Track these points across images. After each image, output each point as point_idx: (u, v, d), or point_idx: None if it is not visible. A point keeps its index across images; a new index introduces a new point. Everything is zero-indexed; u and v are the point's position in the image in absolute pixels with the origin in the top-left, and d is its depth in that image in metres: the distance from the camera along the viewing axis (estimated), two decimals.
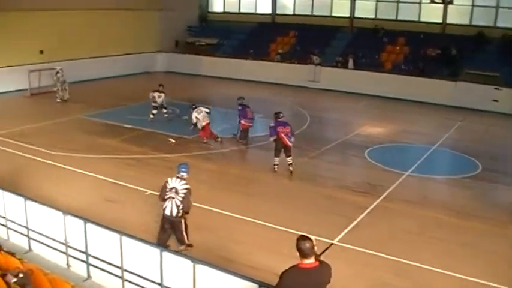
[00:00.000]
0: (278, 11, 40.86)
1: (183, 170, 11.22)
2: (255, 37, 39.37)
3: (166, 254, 8.68)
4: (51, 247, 10.62)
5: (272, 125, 16.95)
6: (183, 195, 10.81)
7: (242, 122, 20.16)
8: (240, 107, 20.52)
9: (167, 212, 10.81)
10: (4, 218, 11.64)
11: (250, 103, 20.99)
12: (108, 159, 17.67)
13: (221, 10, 43.92)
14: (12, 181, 13.82)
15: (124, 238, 9.18)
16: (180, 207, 10.78)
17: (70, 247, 10.20)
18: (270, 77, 34.34)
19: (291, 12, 40.18)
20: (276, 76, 34.25)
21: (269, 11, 41.06)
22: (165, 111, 23.05)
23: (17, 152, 18.07)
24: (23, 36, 29.60)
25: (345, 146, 20.57)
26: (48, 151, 18.12)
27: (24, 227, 11.12)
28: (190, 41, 41.55)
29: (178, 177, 11.08)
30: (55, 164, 16.93)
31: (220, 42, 40.47)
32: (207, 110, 20.24)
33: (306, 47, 35.46)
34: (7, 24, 28.85)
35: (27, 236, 11.14)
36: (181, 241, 11.10)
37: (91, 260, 9.88)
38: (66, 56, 30.83)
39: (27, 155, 17.76)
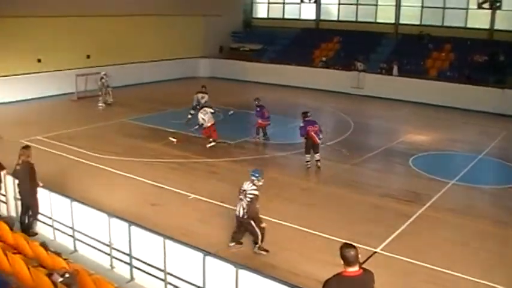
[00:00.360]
0: (322, 17, 40.71)
1: (254, 174, 11.58)
2: (298, 43, 39.32)
3: (209, 259, 8.68)
4: (95, 248, 10.76)
5: (302, 125, 17.61)
6: (249, 199, 11.25)
7: (259, 121, 21.04)
8: (258, 108, 21.20)
9: (236, 212, 11.56)
10: (51, 218, 11.85)
11: (293, 109, 21.01)
12: (152, 163, 17.85)
13: (265, 16, 43.99)
14: (58, 182, 14.05)
15: (168, 241, 9.23)
16: (245, 210, 11.24)
17: (114, 249, 10.31)
18: (313, 83, 34.20)
19: (335, 18, 39.97)
20: (320, 82, 34.09)
21: (313, 16, 40.95)
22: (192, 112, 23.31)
23: (63, 154, 18.40)
24: (71, 41, 30.27)
25: (389, 153, 20.33)
26: (94, 154, 18.40)
27: (70, 227, 11.29)
28: (234, 46, 41.72)
29: (251, 181, 11.49)
30: (100, 166, 17.19)
31: (264, 48, 40.48)
32: (212, 111, 20.40)
33: (350, 53, 35.22)
34: (57, 29, 29.50)
35: (72, 236, 11.31)
36: (254, 242, 11.56)
37: (134, 262, 9.96)
38: (112, 60, 31.33)
39: (73, 157, 18.09)
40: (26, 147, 12.38)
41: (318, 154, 17.56)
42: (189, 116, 23.05)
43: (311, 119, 17.68)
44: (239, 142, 20.63)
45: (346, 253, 6.15)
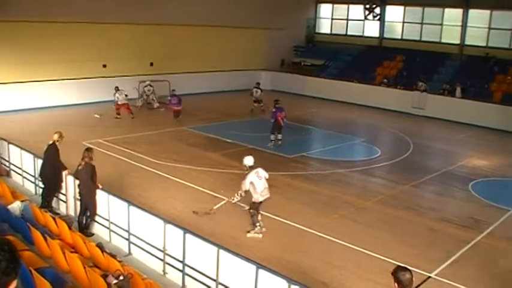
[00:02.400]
0: (386, 35, 40.37)
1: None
2: (361, 60, 39.11)
3: (262, 272, 8.65)
4: (149, 253, 10.89)
5: (273, 110, 21.99)
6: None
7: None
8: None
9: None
10: (108, 220, 12.06)
11: (352, 127, 20.81)
12: (209, 172, 17.96)
13: (328, 31, 43.95)
14: (116, 185, 14.33)
15: (221, 251, 9.25)
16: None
17: (168, 255, 10.41)
18: (374, 101, 33.85)
19: (399, 37, 39.55)
20: (380, 101, 33.71)
21: (376, 34, 40.65)
22: (256, 104, 27.37)
23: (123, 158, 18.75)
24: (136, 48, 30.95)
25: (448, 176, 19.87)
26: (152, 159, 18.68)
27: (126, 231, 11.47)
28: (296, 60, 41.82)
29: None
30: (157, 172, 17.42)
31: (325, 64, 40.43)
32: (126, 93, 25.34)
33: (412, 73, 34.76)
34: (122, 36, 30.22)
35: (128, 239, 11.48)
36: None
37: (187, 270, 10.02)
38: (174, 69, 31.83)
39: (132, 162, 18.42)
40: (89, 149, 12.68)
41: (280, 135, 21.84)
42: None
43: (280, 106, 21.99)
44: (297, 157, 20.55)
45: (401, 276, 6.01)
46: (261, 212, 13.34)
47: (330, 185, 17.61)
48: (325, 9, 44.20)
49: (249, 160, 13.03)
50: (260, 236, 12.75)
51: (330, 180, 18.37)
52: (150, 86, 29.10)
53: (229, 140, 22.25)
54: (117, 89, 26.18)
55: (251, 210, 12.96)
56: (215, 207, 13.77)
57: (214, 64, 35.33)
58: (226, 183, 16.82)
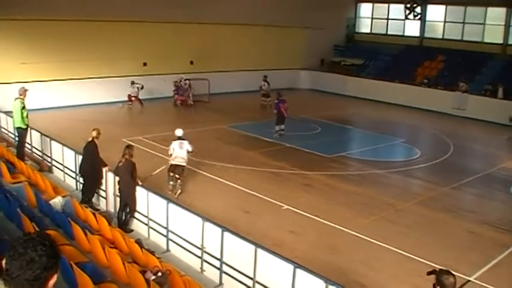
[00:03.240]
0: (427, 35, 39.75)
1: None
2: (401, 60, 38.62)
3: (300, 271, 8.61)
4: (187, 250, 10.94)
5: (276, 101, 23.12)
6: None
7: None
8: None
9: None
10: (147, 217, 12.16)
11: (391, 127, 20.59)
12: (248, 171, 17.99)
13: (368, 31, 43.57)
14: (155, 182, 14.39)
15: (259, 250, 9.24)
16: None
17: (206, 252, 10.45)
18: (414, 101, 33.36)
19: (440, 36, 38.87)
20: (421, 101, 33.22)
21: (417, 33, 40.09)
22: (265, 99, 28.78)
23: (161, 155, 18.83)
24: (176, 47, 31.18)
25: (489, 179, 19.49)
26: (191, 157, 18.68)
27: (165, 227, 11.55)
28: (336, 60, 41.56)
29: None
30: (196, 170, 17.49)
31: (365, 63, 40.10)
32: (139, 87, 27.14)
33: (453, 73, 34.18)
34: (162, 35, 30.48)
35: (166, 236, 11.56)
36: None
37: (224, 268, 10.04)
38: (213, 67, 31.97)
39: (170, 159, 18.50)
40: (129, 146, 12.82)
41: (283, 125, 22.76)
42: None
43: (283, 98, 23.06)
44: (336, 156, 20.44)
45: (445, 280, 5.92)
46: (179, 176, 15.09)
47: (369, 186, 17.45)
48: (365, 9, 43.84)
49: (178, 132, 15.49)
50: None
51: (369, 180, 18.21)
52: (187, 80, 29.27)
53: (268, 139, 22.22)
54: (132, 82, 27.83)
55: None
56: (154, 173, 14.83)
57: (254, 63, 35.30)
58: (264, 182, 16.84)
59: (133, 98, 27.78)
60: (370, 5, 43.23)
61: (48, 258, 2.76)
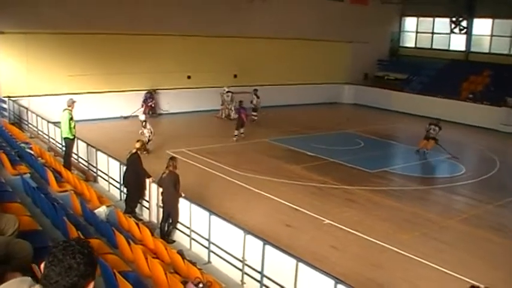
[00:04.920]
0: (473, 49, 39.14)
1: None
2: (446, 74, 38.00)
3: (341, 287, 8.54)
4: (228, 262, 10.98)
5: (238, 108, 25.82)
6: None
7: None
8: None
9: None
10: (189, 228, 12.25)
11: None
12: (289, 185, 17.94)
13: (412, 45, 43.15)
14: (198, 194, 14.52)
15: (300, 264, 9.20)
16: None
17: (246, 265, 10.46)
18: (459, 117, 32.74)
19: (487, 51, 38.28)
20: (466, 117, 32.63)
21: (463, 48, 39.51)
22: (254, 113, 28.76)
23: (205, 168, 19.04)
24: (220, 60, 31.50)
25: None
26: (234, 170, 18.85)
27: (206, 239, 11.62)
28: (380, 74, 41.25)
29: None
30: (239, 182, 17.57)
31: (409, 78, 39.68)
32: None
33: (500, 88, 33.52)
34: (206, 48, 30.82)
35: (207, 248, 11.62)
36: None
37: (265, 281, 10.03)
38: (257, 81, 32.05)
39: (214, 171, 18.67)
40: (173, 158, 12.98)
41: (242, 129, 24.60)
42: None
43: (243, 106, 25.71)
44: (379, 172, 20.26)
45: None
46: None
47: (412, 202, 17.23)
48: (409, 23, 43.46)
49: (141, 116, 21.04)
50: None
51: (412, 196, 17.99)
52: (230, 92, 29.50)
53: (311, 153, 22.16)
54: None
55: None
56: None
57: (297, 77, 35.34)
58: (306, 196, 16.80)
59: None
60: (414, 19, 42.86)
61: (86, 267, 2.81)
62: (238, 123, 24.71)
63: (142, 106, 28.49)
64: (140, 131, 20.64)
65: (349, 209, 15.92)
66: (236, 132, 24.39)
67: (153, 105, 29.06)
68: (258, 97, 29.24)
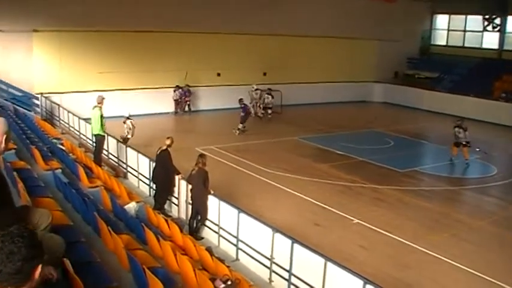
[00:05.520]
0: (506, 47, 38.45)
1: None
2: (478, 73, 37.43)
3: (369, 287, 8.50)
4: (256, 260, 11.00)
5: (242, 106, 25.43)
6: None
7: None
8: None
9: None
10: (217, 225, 12.31)
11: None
12: (318, 183, 17.92)
13: (444, 43, 42.59)
14: (227, 191, 14.56)
15: (329, 264, 9.18)
16: None
17: (275, 263, 10.46)
18: (491, 116, 32.26)
19: None
20: (499, 116, 32.14)
21: (496, 46, 38.87)
22: (264, 111, 29.19)
23: (234, 165, 19.10)
24: (249, 58, 31.61)
25: None
26: (262, 168, 18.87)
27: (235, 237, 11.66)
28: (410, 73, 40.78)
29: None
30: (267, 180, 17.59)
31: (440, 76, 39.19)
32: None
33: None
34: (236, 46, 30.97)
35: (236, 245, 11.66)
36: None
37: (293, 279, 10.02)
38: (287, 79, 32.07)
39: (242, 169, 18.74)
40: (202, 155, 13.07)
41: (245, 123, 25.13)
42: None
43: (245, 103, 25.87)
44: (408, 171, 20.09)
45: None
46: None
47: (442, 202, 17.09)
48: (441, 20, 42.87)
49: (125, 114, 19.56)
50: None
51: (441, 197, 17.83)
52: (259, 90, 29.52)
53: (340, 152, 22.08)
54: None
55: None
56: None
57: (326, 75, 35.21)
58: (335, 195, 16.75)
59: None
60: (446, 16, 42.24)
61: (28, 249, 2.63)
62: (244, 117, 25.29)
63: (179, 100, 29.03)
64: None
65: (378, 208, 15.83)
66: (240, 126, 24.93)
67: (189, 102, 29.27)
68: (272, 97, 29.32)
